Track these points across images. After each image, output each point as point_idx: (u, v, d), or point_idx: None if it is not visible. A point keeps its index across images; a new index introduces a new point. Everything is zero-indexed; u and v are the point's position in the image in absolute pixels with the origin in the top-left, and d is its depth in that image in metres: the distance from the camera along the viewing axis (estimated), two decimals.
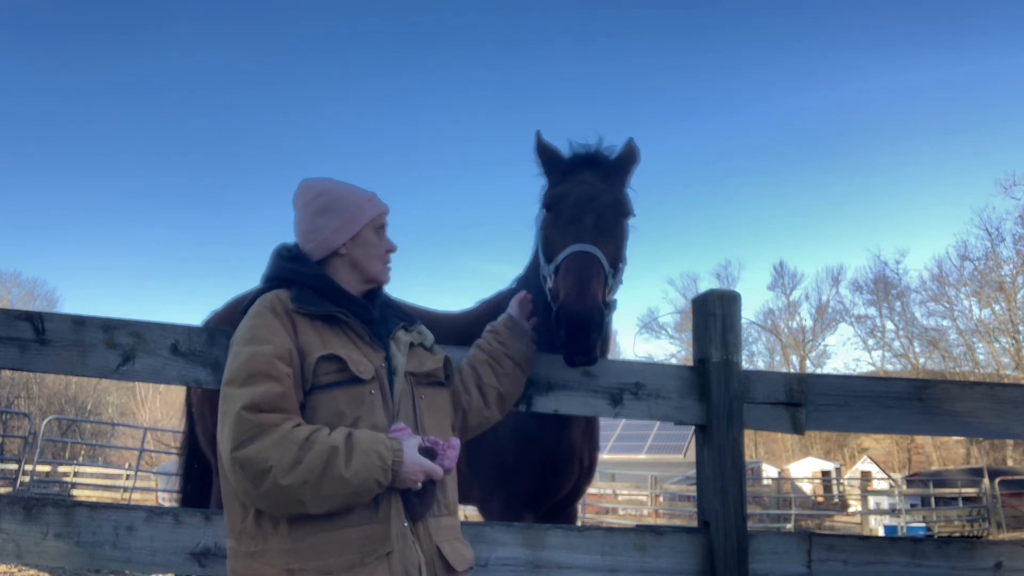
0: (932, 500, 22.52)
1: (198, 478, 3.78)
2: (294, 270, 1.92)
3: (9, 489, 15.47)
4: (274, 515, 1.67)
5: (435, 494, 1.81)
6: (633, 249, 2.73)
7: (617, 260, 2.56)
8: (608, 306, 2.48)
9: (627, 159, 2.81)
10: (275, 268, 1.96)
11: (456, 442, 1.82)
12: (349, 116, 79.57)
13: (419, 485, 1.73)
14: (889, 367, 43.04)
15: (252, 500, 1.67)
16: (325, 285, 1.90)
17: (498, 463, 2.89)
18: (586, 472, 3.08)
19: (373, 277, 2.00)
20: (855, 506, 28.91)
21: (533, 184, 2.93)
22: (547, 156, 2.85)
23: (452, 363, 2.13)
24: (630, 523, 17.08)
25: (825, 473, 36.49)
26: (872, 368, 43.77)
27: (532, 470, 2.89)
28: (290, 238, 2.04)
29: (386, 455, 1.66)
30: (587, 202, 2.58)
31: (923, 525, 20.52)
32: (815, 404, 2.49)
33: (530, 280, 2.95)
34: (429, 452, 1.76)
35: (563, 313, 2.28)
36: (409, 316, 2.07)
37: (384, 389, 1.84)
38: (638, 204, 2.74)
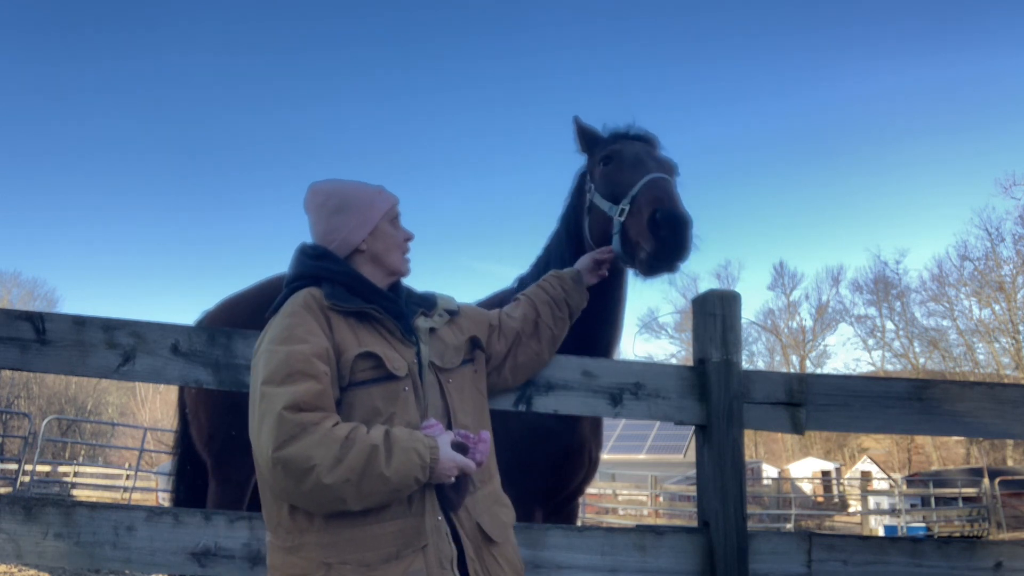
0: (932, 500, 22.52)
1: (192, 479, 3.76)
2: (324, 267, 1.93)
3: (9, 489, 15.46)
4: (311, 511, 1.69)
5: (469, 485, 1.83)
6: None
7: None
8: None
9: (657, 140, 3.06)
10: (304, 266, 1.96)
11: (486, 435, 1.84)
12: (348, 115, 79.64)
13: (453, 479, 1.75)
14: (889, 367, 43.06)
15: (293, 499, 1.67)
16: (356, 281, 1.92)
17: (511, 459, 2.90)
18: (593, 466, 3.13)
19: (395, 269, 2.02)
20: (855, 506, 28.91)
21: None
22: (588, 136, 3.06)
23: (481, 335, 2.13)
24: (630, 523, 17.08)
25: (825, 473, 36.48)
26: (872, 368, 43.77)
27: (545, 465, 2.92)
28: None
29: (424, 453, 1.68)
30: (646, 153, 2.82)
31: (923, 525, 20.52)
32: (815, 404, 2.49)
33: (551, 264, 2.99)
34: (461, 447, 1.78)
35: (661, 214, 2.40)
36: (427, 301, 2.08)
37: (416, 385, 1.86)
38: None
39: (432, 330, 1.99)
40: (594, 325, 2.81)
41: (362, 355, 1.79)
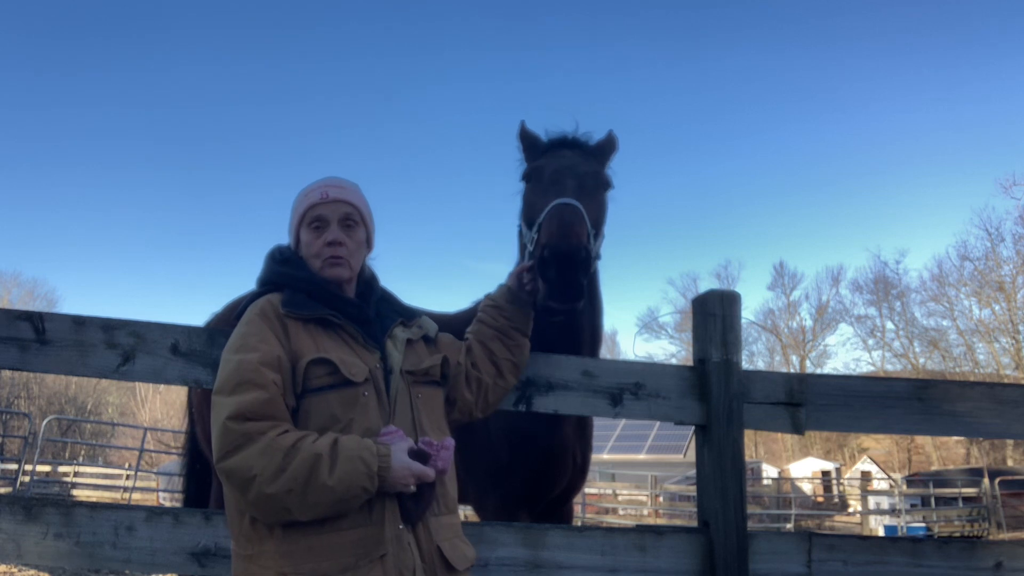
0: (932, 500, 22.49)
1: (200, 479, 3.78)
2: (285, 273, 1.92)
3: (9, 489, 15.47)
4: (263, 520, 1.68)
5: (432, 496, 1.80)
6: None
7: (598, 226, 2.57)
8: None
9: (606, 146, 2.89)
10: (268, 272, 1.97)
11: (450, 442, 1.81)
12: (349, 115, 79.68)
13: (411, 488, 1.72)
14: (889, 367, 43.02)
15: (244, 508, 1.69)
16: (315, 287, 1.89)
17: (491, 462, 2.89)
18: (579, 470, 3.07)
19: (319, 276, 1.92)
20: (855, 506, 28.89)
21: None
22: (528, 141, 2.93)
23: (453, 361, 2.11)
24: (630, 523, 17.08)
25: (825, 473, 36.48)
26: (872, 368, 43.74)
27: (526, 468, 2.88)
28: (288, 237, 2.05)
29: (371, 461, 1.65)
30: (567, 169, 2.64)
31: (923, 525, 20.50)
32: (815, 404, 2.49)
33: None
34: (421, 454, 1.74)
35: (548, 251, 2.24)
36: (408, 311, 2.06)
37: (379, 390, 1.83)
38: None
39: (410, 341, 1.97)
40: (560, 332, 2.68)
41: (315, 361, 1.76)
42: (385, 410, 1.82)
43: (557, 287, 2.24)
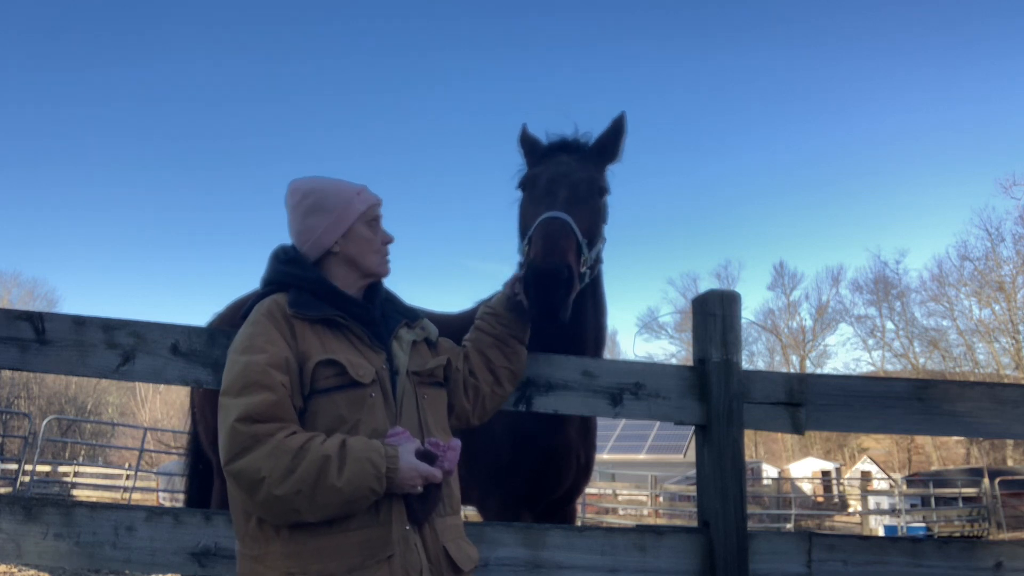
0: (932, 500, 22.49)
1: (202, 479, 3.78)
2: (291, 273, 1.91)
3: (9, 489, 15.47)
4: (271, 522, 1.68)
5: (439, 496, 1.80)
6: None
7: (593, 235, 2.57)
8: (581, 276, 2.46)
9: (608, 140, 2.85)
10: (273, 272, 1.95)
11: (457, 443, 1.81)
12: (349, 115, 79.68)
13: (419, 489, 1.72)
14: (889, 367, 43.02)
15: (252, 509, 1.68)
16: (323, 288, 1.89)
17: (494, 462, 2.89)
18: (583, 470, 3.06)
19: (371, 271, 1.98)
20: (855, 506, 28.90)
21: None
22: (528, 146, 2.92)
23: (453, 365, 2.11)
24: (630, 523, 17.08)
25: (825, 473, 36.49)
26: (872, 368, 43.73)
27: (528, 469, 2.88)
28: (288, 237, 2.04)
29: (379, 463, 1.65)
30: (561, 178, 2.64)
31: (923, 525, 20.50)
32: (815, 404, 2.49)
33: None
34: (427, 455, 1.74)
35: (529, 271, 2.26)
36: (412, 312, 2.06)
37: (386, 391, 1.83)
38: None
39: (414, 342, 1.98)
40: (563, 333, 2.66)
41: (323, 363, 1.76)
42: (392, 411, 1.82)
43: (536, 304, 2.24)
